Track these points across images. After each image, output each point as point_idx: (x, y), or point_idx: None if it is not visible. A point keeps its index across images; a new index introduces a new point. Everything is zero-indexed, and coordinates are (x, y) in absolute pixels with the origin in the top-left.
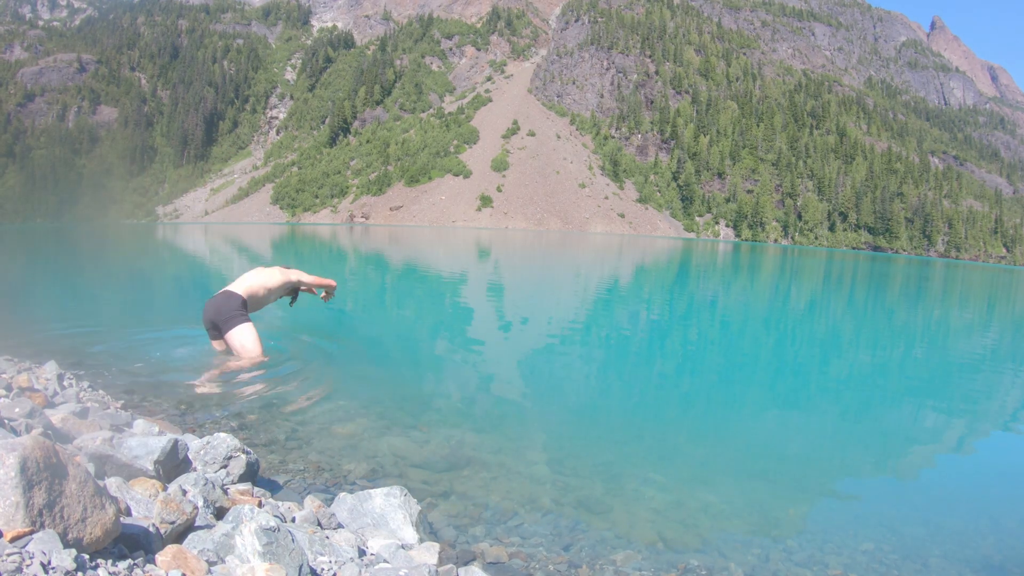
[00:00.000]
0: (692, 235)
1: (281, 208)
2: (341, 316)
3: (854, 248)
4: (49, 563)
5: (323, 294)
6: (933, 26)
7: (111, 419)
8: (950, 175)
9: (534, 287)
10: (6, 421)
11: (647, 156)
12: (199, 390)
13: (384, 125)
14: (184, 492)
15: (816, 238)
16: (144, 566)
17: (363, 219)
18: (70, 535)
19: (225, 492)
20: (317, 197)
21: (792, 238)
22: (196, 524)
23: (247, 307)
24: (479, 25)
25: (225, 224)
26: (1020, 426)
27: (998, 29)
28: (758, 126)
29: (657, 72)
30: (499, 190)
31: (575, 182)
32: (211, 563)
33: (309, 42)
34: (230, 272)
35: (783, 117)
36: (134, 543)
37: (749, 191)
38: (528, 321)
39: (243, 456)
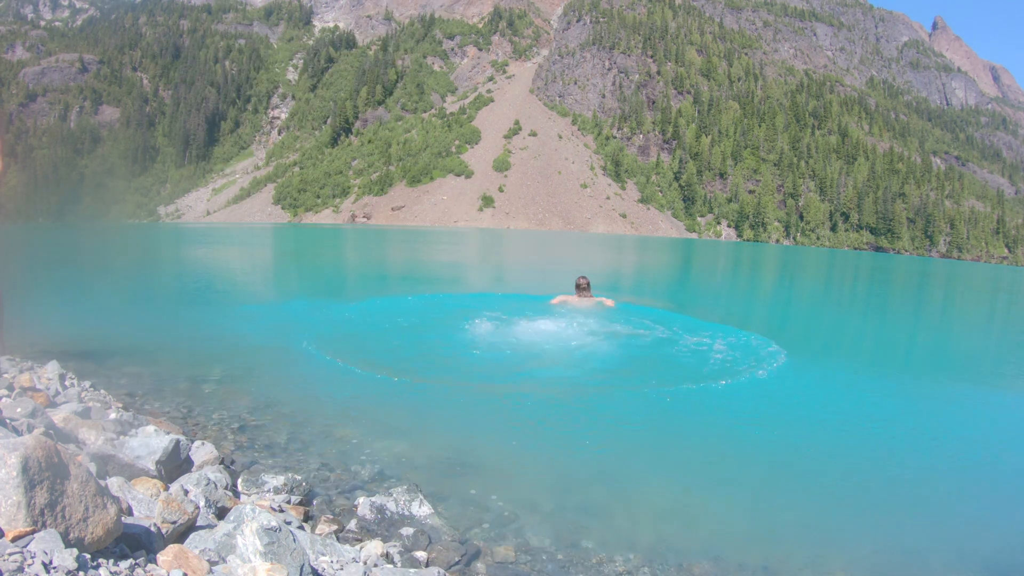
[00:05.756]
0: (694, 235)
1: (283, 208)
2: (340, 317)
3: (856, 248)
4: (50, 562)
5: None
6: (935, 26)
7: (113, 419)
8: (952, 175)
9: (534, 284)
10: (8, 421)
11: (649, 156)
12: None
13: (386, 125)
14: (186, 492)
15: (818, 238)
16: (146, 566)
17: (365, 219)
18: (72, 534)
19: (228, 491)
20: (319, 197)
21: (794, 238)
22: (198, 524)
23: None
24: (481, 25)
25: (227, 224)
26: (1021, 428)
27: (1000, 29)
28: (760, 126)
29: (659, 72)
30: (501, 190)
31: (577, 182)
32: (212, 563)
33: (311, 42)
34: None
35: (785, 117)
36: (136, 543)
37: (751, 191)
38: (529, 321)
39: None
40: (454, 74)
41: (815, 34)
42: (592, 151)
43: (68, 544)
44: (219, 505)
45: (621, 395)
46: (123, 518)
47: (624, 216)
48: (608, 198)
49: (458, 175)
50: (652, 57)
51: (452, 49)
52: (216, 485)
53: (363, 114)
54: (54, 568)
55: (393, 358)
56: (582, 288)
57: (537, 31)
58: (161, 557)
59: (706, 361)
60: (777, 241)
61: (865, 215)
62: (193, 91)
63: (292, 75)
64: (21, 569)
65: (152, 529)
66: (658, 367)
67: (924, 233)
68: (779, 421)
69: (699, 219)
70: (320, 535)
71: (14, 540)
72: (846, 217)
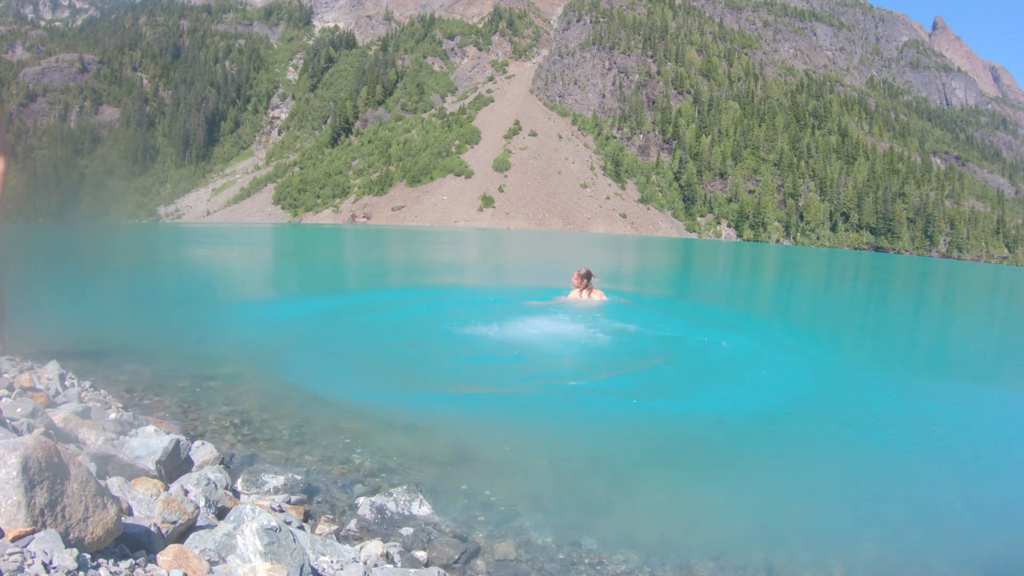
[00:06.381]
0: (694, 235)
1: (283, 208)
2: (339, 315)
3: (856, 248)
4: (51, 562)
5: None
6: (935, 26)
7: (113, 419)
8: (952, 175)
9: (537, 284)
10: (8, 421)
11: (649, 156)
12: None
13: (386, 125)
14: (186, 492)
15: (818, 238)
16: (146, 566)
17: (365, 219)
18: (72, 535)
19: (228, 491)
20: (319, 197)
21: (794, 238)
22: (198, 524)
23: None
24: (481, 25)
25: (227, 225)
26: (1021, 426)
27: (1000, 29)
28: (760, 126)
29: (659, 72)
30: (501, 190)
31: (577, 182)
32: (212, 563)
33: (311, 42)
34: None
35: (785, 117)
36: (136, 543)
37: (751, 191)
38: (532, 318)
39: None
40: (454, 74)
41: (815, 34)
42: (592, 151)
43: (68, 544)
44: (219, 505)
45: (623, 393)
46: (123, 518)
47: (624, 216)
48: (608, 198)
49: (458, 175)
50: (652, 57)
51: (452, 49)
52: (216, 485)
53: (363, 114)
54: (54, 568)
55: (393, 356)
56: (586, 282)
57: (537, 31)
58: (161, 557)
59: (710, 358)
60: (777, 241)
61: (865, 215)
62: (193, 91)
63: (292, 75)
64: (21, 569)
65: (152, 529)
66: (660, 364)
67: (924, 233)
68: (781, 419)
69: (699, 219)
70: (320, 535)
71: (14, 540)
72: (846, 217)
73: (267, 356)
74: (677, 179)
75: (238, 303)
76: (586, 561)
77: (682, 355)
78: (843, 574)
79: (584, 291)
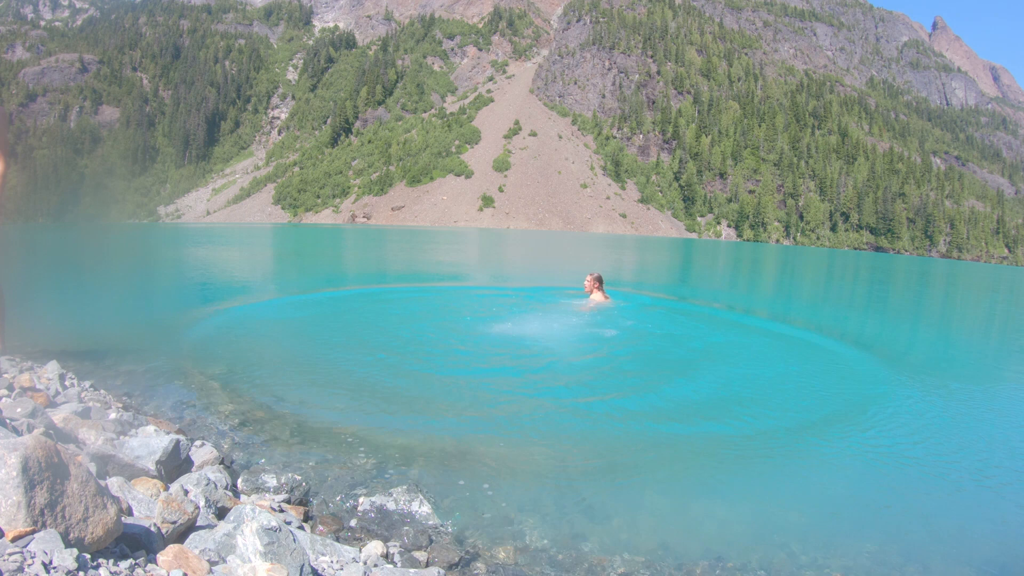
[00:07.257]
0: (694, 235)
1: (283, 208)
2: (340, 314)
3: (856, 248)
4: (50, 562)
5: None
6: (935, 26)
7: (113, 419)
8: (952, 175)
9: (531, 280)
10: (8, 421)
11: (649, 156)
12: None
13: (386, 125)
14: (186, 492)
15: (818, 238)
16: (145, 566)
17: (364, 219)
18: (71, 535)
19: (228, 491)
20: (319, 197)
21: (794, 238)
22: (198, 524)
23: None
24: (481, 25)
25: (227, 225)
26: (1022, 425)
27: (1000, 29)
28: (760, 126)
29: (659, 72)
30: (501, 190)
31: (577, 182)
32: (212, 563)
33: (311, 42)
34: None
35: (785, 117)
36: (136, 542)
37: (751, 191)
38: (534, 319)
39: None
40: (454, 74)
41: (815, 34)
42: (592, 151)
43: (68, 544)
44: (219, 505)
45: (624, 396)
46: (123, 518)
47: (624, 216)
48: (608, 198)
49: (458, 175)
50: (652, 57)
51: (452, 49)
52: (216, 485)
53: (363, 114)
54: (54, 568)
55: (394, 356)
56: (598, 285)
57: (537, 31)
58: (161, 557)
59: (710, 361)
60: (777, 241)
61: (865, 215)
62: (193, 91)
63: (292, 75)
64: (21, 569)
65: (152, 529)
66: (661, 365)
67: (924, 233)
68: (778, 419)
69: (699, 219)
70: (320, 535)
71: (14, 540)
72: (846, 217)
73: (267, 356)
74: (677, 179)
75: (238, 303)
76: (585, 563)
77: (683, 357)
78: (843, 574)
79: (596, 294)
